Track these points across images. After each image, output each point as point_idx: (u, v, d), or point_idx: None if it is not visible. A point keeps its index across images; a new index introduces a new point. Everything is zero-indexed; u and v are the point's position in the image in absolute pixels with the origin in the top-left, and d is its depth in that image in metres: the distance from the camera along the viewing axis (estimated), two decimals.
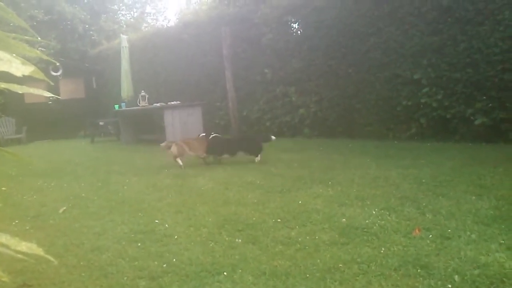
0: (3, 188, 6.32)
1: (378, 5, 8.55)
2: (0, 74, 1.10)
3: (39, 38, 16.02)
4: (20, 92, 1.07)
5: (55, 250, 3.43)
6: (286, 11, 10.34)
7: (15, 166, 8.34)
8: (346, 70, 9.36)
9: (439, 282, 2.47)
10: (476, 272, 2.56)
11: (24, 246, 1.04)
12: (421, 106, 8.11)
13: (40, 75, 1.06)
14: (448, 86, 7.71)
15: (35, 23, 16.37)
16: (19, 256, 1.05)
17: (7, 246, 1.04)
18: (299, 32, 10.53)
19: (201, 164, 7.39)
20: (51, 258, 1.11)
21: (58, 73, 16.57)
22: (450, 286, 2.43)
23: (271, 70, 10.74)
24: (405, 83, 8.33)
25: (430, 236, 3.19)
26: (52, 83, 1.19)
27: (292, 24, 10.61)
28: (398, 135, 8.58)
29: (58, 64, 15.53)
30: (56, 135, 16.06)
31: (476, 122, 7.30)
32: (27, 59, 1.07)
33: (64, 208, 4.91)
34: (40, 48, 14.30)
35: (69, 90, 17.02)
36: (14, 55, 0.93)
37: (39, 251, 1.05)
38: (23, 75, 1.09)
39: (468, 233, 3.18)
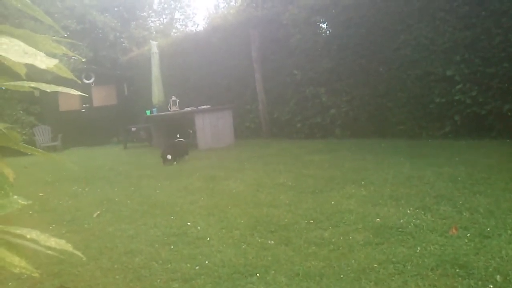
0: (40, 194, 6.46)
1: (408, 1, 8.39)
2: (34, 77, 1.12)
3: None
4: (49, 91, 1.07)
5: (90, 253, 3.48)
6: (314, 11, 10.25)
7: (51, 173, 8.55)
8: (376, 69, 9.22)
9: (480, 282, 2.38)
10: None
11: (53, 242, 1.06)
12: (455, 103, 7.90)
13: (65, 72, 1.07)
14: (483, 81, 7.49)
15: (68, 33, 16.76)
16: (49, 252, 1.06)
17: (37, 242, 1.05)
18: (327, 31, 10.43)
19: (232, 167, 7.39)
20: (79, 254, 1.11)
21: (91, 81, 16.91)
22: (491, 286, 2.34)
23: (301, 71, 10.65)
24: (437, 80, 8.14)
25: (468, 235, 3.09)
26: (79, 82, 1.19)
27: (320, 24, 10.51)
28: (432, 133, 8.39)
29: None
30: (90, 141, 16.36)
31: None
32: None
33: (98, 212, 4.99)
34: (73, 57, 14.60)
35: (102, 97, 17.32)
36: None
37: (68, 247, 1.06)
38: (57, 81, 1.09)
39: (509, 231, 3.07)
